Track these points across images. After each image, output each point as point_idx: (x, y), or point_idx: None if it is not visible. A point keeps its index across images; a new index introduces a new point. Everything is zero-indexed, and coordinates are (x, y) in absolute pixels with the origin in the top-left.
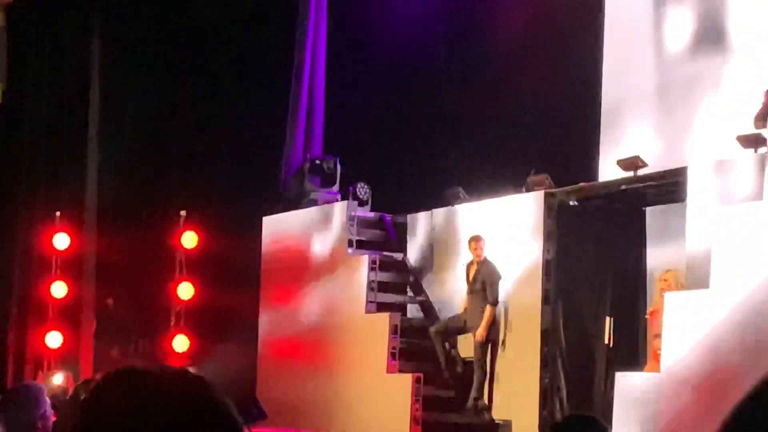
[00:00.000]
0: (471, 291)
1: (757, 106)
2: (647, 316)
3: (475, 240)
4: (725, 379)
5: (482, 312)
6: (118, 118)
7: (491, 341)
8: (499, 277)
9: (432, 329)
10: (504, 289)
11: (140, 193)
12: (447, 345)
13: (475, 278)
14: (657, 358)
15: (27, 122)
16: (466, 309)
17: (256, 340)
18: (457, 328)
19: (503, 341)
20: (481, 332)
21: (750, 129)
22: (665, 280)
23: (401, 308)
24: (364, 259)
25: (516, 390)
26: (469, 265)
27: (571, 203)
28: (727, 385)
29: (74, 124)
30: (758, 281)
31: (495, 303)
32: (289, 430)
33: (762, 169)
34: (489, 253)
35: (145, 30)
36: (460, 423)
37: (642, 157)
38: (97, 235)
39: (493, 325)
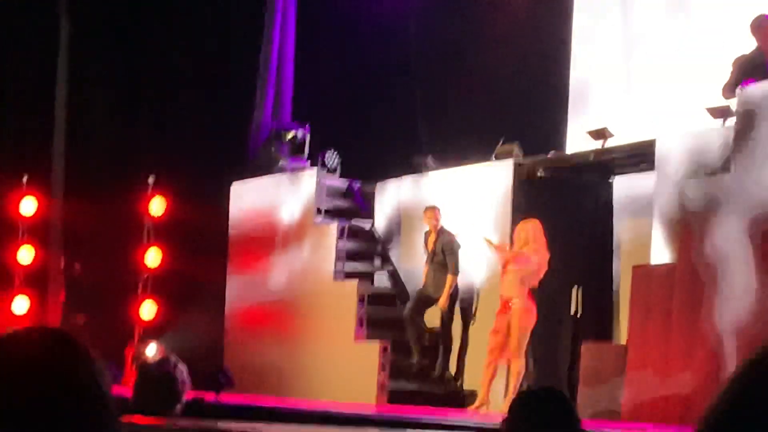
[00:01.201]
0: (431, 261)
1: (726, 77)
2: (500, 266)
3: (431, 210)
4: (688, 350)
5: (444, 281)
6: (86, 83)
7: (462, 310)
8: (459, 246)
9: (406, 313)
10: (473, 258)
11: (108, 158)
12: (422, 326)
13: (434, 249)
14: (505, 306)
15: None
16: (426, 279)
17: (223, 307)
18: (425, 298)
19: (475, 311)
20: (443, 301)
21: (719, 100)
22: (523, 230)
23: (369, 276)
24: (332, 227)
25: (484, 360)
26: (427, 235)
27: (540, 173)
28: (691, 357)
29: (42, 88)
30: (724, 252)
31: (456, 272)
32: (257, 397)
33: (730, 140)
34: (452, 222)
35: None
36: (428, 392)
37: (610, 128)
38: (64, 200)
39: (457, 293)
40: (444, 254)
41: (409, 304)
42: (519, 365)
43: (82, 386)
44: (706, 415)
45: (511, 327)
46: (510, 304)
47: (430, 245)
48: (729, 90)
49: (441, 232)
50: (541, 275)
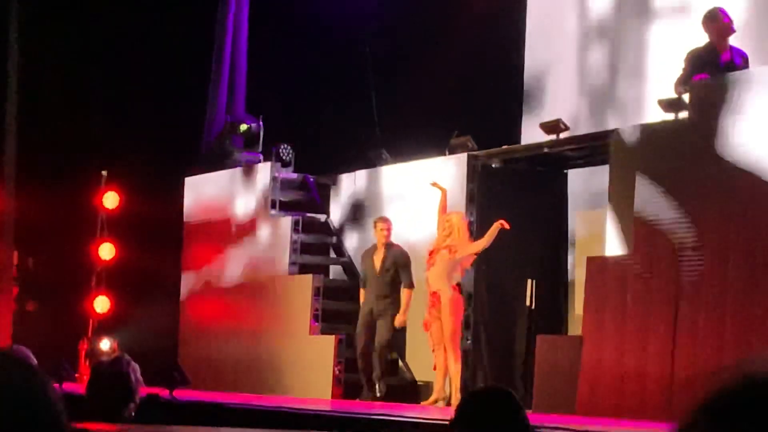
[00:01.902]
0: (377, 276)
1: (678, 71)
2: (426, 254)
3: (382, 221)
4: (645, 341)
5: (389, 298)
6: (38, 77)
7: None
8: (409, 259)
9: (363, 349)
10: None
11: (61, 152)
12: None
13: (382, 265)
14: (434, 297)
15: None
16: (365, 300)
17: (177, 302)
18: (372, 324)
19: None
20: (401, 318)
21: (671, 94)
22: (447, 221)
23: (324, 270)
24: (286, 221)
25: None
26: (370, 252)
27: (494, 166)
28: (645, 350)
29: None
30: (676, 245)
31: (412, 286)
32: (212, 394)
33: (681, 133)
34: (406, 216)
35: None
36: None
37: (564, 120)
38: (16, 195)
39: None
40: (397, 269)
41: (362, 339)
42: (455, 356)
43: (35, 406)
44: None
45: (442, 319)
46: (439, 295)
47: (378, 262)
48: (681, 84)
49: (390, 246)
50: (467, 266)
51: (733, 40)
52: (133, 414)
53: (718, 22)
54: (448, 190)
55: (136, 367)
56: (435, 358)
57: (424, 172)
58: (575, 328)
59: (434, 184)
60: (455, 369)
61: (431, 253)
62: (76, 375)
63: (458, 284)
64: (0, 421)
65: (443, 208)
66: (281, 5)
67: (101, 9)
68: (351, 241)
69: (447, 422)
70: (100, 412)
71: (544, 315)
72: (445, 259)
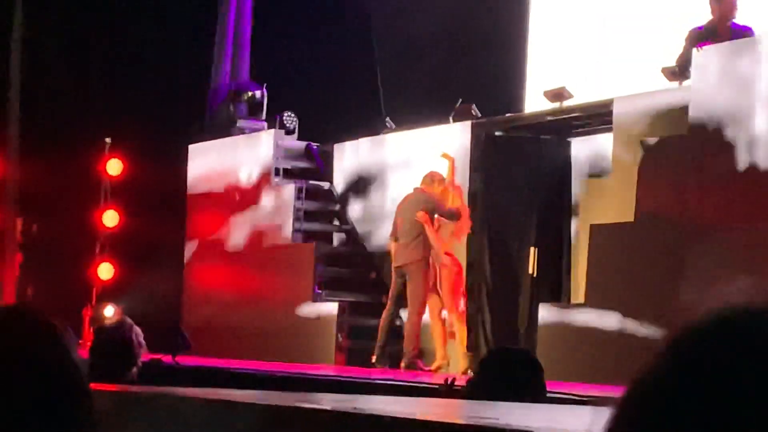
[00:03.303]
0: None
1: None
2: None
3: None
4: (646, 309)
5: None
6: (41, 43)
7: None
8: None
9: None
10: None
11: (64, 119)
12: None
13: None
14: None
15: None
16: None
17: (181, 269)
18: (398, 290)
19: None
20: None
21: (674, 61)
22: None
23: (327, 237)
24: (290, 188)
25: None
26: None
27: (498, 133)
28: (648, 316)
29: None
30: (681, 213)
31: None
32: (215, 360)
33: (687, 100)
34: (409, 183)
35: None
36: (391, 350)
37: (568, 88)
38: (20, 162)
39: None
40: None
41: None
42: (459, 318)
43: (60, 368)
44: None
45: (441, 284)
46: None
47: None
48: (681, 62)
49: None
50: (465, 233)
51: (746, 11)
52: (135, 378)
53: (721, 3)
54: (452, 157)
55: (139, 330)
56: (431, 328)
57: (427, 139)
58: (578, 295)
59: (444, 155)
60: (461, 332)
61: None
62: (80, 341)
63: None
64: (24, 377)
65: (452, 178)
66: None
67: None
68: (354, 209)
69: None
70: (102, 375)
71: (548, 283)
72: (444, 225)
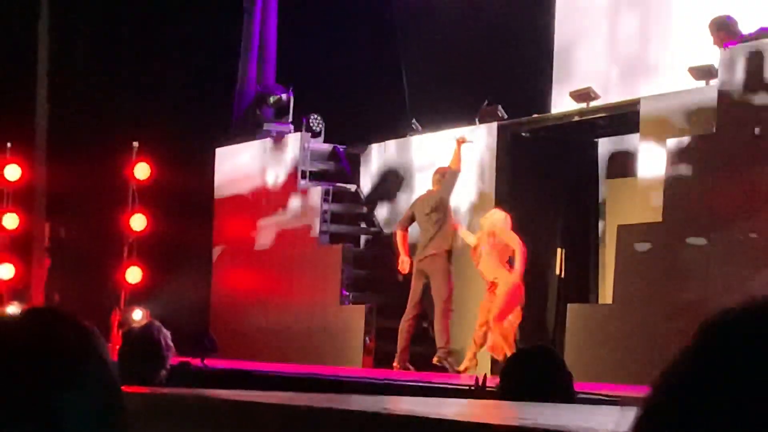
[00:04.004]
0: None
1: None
2: (471, 252)
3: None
4: (674, 310)
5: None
6: (68, 48)
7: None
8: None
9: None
10: (458, 221)
11: (92, 123)
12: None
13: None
14: (492, 286)
15: None
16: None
17: (209, 272)
18: (419, 293)
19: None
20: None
21: (701, 60)
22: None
23: (354, 239)
24: (317, 191)
25: (470, 321)
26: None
27: (524, 134)
28: (676, 316)
29: (23, 54)
30: (708, 213)
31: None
32: (243, 362)
33: (713, 101)
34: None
35: None
36: (413, 352)
37: (594, 88)
38: (48, 166)
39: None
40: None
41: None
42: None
43: (89, 362)
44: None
45: (495, 301)
46: (497, 283)
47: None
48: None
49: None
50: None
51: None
52: (164, 380)
53: (723, 33)
54: (479, 159)
55: (167, 333)
56: (475, 333)
57: (454, 141)
58: (606, 296)
59: (458, 140)
60: (497, 341)
61: (474, 249)
62: (109, 345)
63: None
64: (58, 379)
65: (457, 160)
66: None
67: None
68: (381, 211)
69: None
70: (131, 377)
71: (576, 283)
72: (491, 245)
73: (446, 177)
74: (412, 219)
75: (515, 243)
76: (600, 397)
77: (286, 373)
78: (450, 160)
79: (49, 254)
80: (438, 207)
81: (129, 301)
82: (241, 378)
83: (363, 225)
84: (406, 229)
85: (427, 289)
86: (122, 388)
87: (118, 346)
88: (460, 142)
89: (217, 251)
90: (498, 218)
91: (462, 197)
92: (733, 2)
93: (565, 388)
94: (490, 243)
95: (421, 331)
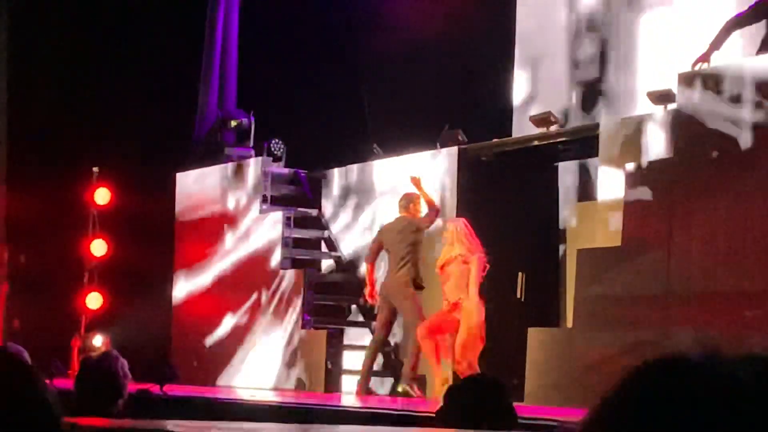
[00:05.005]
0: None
1: (661, 65)
2: (437, 270)
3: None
4: (636, 333)
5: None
6: (28, 74)
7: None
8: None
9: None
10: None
11: (51, 148)
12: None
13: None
14: (454, 307)
15: None
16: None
17: (170, 297)
18: (385, 317)
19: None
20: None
21: (659, 85)
22: (446, 232)
23: (316, 264)
24: (278, 216)
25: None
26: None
27: (485, 159)
28: (638, 338)
29: None
30: (666, 235)
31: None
32: (203, 388)
33: (670, 125)
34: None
35: None
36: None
37: (554, 113)
38: (8, 191)
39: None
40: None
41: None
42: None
43: (30, 404)
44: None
45: (464, 324)
46: (460, 305)
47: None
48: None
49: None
50: (483, 272)
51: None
52: (122, 409)
53: None
54: (439, 183)
55: (124, 362)
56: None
57: (415, 165)
58: (568, 320)
59: (416, 181)
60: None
61: (442, 267)
62: (69, 371)
63: (480, 288)
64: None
65: (430, 201)
66: (271, 1)
67: (91, 6)
68: (342, 236)
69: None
70: (89, 408)
71: (538, 307)
72: (460, 269)
73: (429, 217)
74: (379, 249)
75: (474, 250)
76: (548, 422)
77: (246, 401)
78: (425, 202)
79: (8, 280)
80: (405, 231)
81: (89, 326)
82: (202, 406)
83: (324, 249)
84: (373, 262)
85: (394, 313)
86: (79, 419)
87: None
88: (417, 183)
89: (178, 276)
90: (459, 228)
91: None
92: (694, 29)
93: (505, 414)
94: (461, 266)
95: (387, 356)
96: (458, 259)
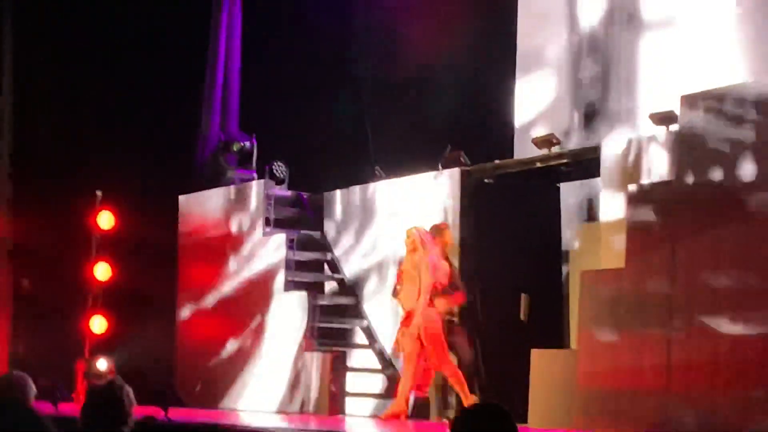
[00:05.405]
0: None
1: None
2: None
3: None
4: (639, 355)
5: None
6: (32, 98)
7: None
8: None
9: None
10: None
11: (55, 173)
12: None
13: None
14: (409, 317)
15: None
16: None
17: (174, 321)
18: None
19: None
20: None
21: (661, 106)
22: (408, 237)
23: (319, 286)
24: (281, 238)
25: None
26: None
27: (487, 180)
28: (642, 362)
29: None
30: (669, 256)
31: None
32: (207, 412)
33: (673, 146)
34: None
35: (60, 6)
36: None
37: (556, 134)
38: (12, 216)
39: None
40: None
41: None
42: (450, 371)
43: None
44: None
45: (423, 340)
46: (413, 314)
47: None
48: None
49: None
50: (444, 280)
51: (730, 56)
52: None
53: None
54: (441, 205)
55: (129, 390)
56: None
57: (417, 187)
58: (572, 342)
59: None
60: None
61: (399, 274)
62: (73, 395)
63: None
64: None
65: (434, 243)
66: (274, 24)
67: (93, 31)
68: (345, 258)
69: None
70: None
71: (541, 329)
72: (412, 276)
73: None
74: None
75: (426, 257)
76: None
77: (252, 426)
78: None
79: (13, 304)
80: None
81: (93, 350)
82: (206, 430)
83: (327, 271)
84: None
85: None
86: None
87: (83, 397)
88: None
89: (182, 299)
90: (421, 235)
91: None
92: (695, 50)
93: None
94: (412, 273)
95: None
96: (412, 267)
